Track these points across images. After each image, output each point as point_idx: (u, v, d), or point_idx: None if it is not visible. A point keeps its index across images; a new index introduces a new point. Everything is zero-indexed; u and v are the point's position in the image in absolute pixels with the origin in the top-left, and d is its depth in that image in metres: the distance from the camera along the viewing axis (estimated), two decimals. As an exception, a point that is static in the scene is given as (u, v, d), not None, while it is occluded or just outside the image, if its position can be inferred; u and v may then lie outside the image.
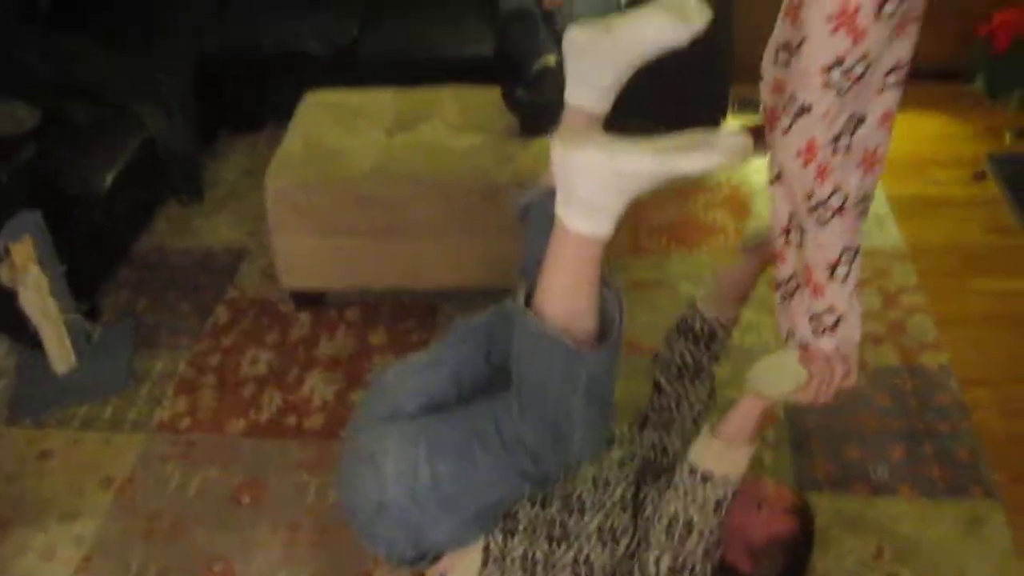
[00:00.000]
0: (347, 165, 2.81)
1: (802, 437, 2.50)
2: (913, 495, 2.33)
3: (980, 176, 3.45)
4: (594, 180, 1.59)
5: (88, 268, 2.99)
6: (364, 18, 3.76)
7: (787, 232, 1.83)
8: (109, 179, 3.06)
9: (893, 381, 2.65)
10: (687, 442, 2.13)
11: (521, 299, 1.68)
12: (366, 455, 1.77)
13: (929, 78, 3.91)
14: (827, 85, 1.65)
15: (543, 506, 1.87)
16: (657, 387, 2.19)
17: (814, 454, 2.46)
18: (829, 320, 1.79)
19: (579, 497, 1.94)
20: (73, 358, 2.79)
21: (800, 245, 1.82)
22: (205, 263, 3.28)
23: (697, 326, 2.16)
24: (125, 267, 3.27)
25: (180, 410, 2.71)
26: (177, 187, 3.54)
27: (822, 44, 1.63)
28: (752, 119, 3.45)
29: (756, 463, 2.42)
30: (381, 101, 3.11)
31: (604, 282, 1.74)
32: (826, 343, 1.82)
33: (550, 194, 1.82)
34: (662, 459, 2.09)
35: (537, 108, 2.88)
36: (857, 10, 1.59)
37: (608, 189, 1.59)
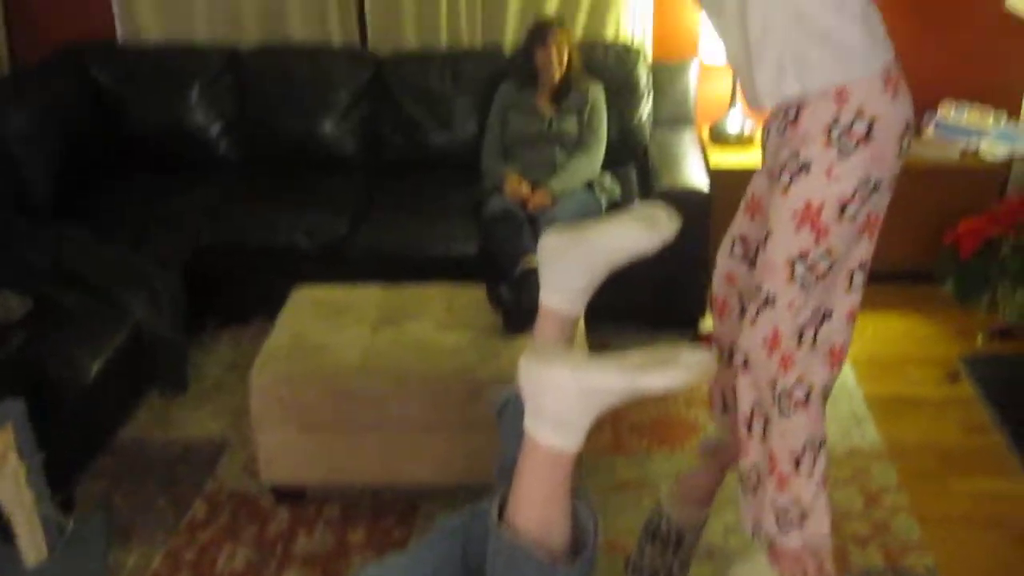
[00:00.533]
0: (332, 360, 2.85)
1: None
2: None
3: (955, 377, 3.52)
4: (561, 397, 1.60)
5: (67, 456, 2.96)
6: (354, 216, 3.88)
7: (750, 423, 1.85)
8: (95, 368, 3.08)
9: (879, 584, 2.62)
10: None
11: (495, 511, 1.67)
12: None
13: (903, 279, 4.05)
14: (791, 278, 1.72)
15: None
16: (631, 594, 2.16)
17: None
18: (795, 514, 1.79)
19: None
20: (45, 550, 2.73)
21: (764, 435, 1.84)
22: (185, 455, 3.25)
23: (664, 529, 2.14)
24: (104, 456, 3.24)
25: (151, 608, 2.64)
26: (162, 378, 3.56)
27: (787, 239, 1.72)
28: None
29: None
30: (368, 297, 3.18)
31: (577, 493, 1.73)
32: (793, 540, 1.80)
33: None
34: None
35: (520, 308, 2.95)
36: (821, 209, 1.68)
37: (575, 406, 1.60)
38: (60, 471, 2.88)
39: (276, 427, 2.85)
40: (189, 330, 3.69)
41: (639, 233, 1.89)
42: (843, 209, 1.69)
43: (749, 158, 4.01)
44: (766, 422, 1.82)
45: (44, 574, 2.71)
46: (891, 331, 3.79)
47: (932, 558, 2.69)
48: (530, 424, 1.64)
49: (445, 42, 4.31)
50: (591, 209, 3.65)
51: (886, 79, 1.72)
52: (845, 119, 1.65)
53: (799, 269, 1.72)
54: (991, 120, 4.10)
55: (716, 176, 3.77)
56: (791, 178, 1.70)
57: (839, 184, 1.67)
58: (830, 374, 1.84)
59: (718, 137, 4.16)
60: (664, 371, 1.59)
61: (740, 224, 2.03)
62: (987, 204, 3.90)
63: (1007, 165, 4.02)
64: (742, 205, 2.03)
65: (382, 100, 4.23)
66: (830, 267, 1.74)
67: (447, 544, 1.91)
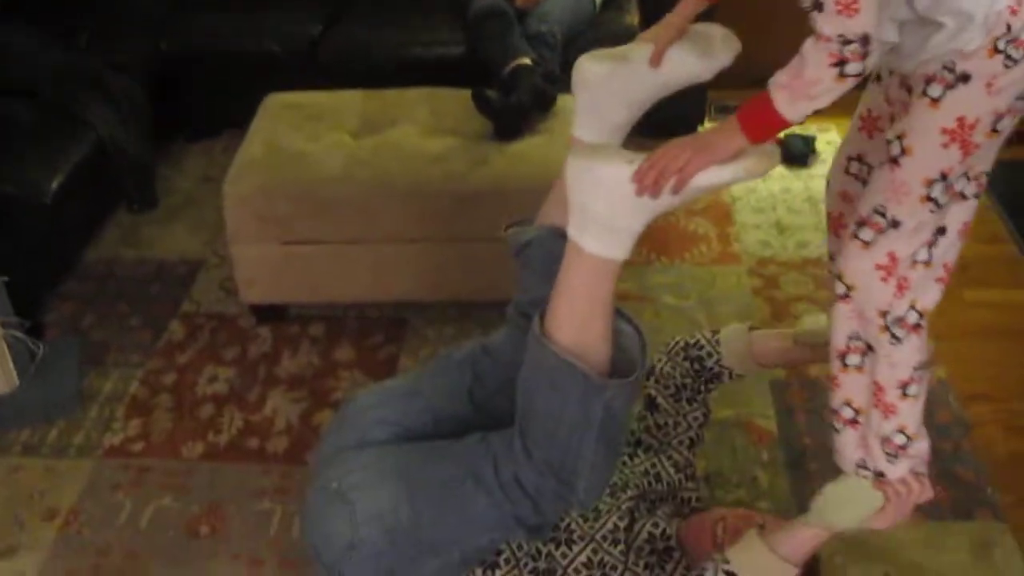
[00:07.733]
0: (311, 169, 2.64)
1: (797, 457, 2.36)
2: (918, 518, 2.19)
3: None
4: (612, 197, 1.46)
5: (32, 280, 2.80)
6: (327, 18, 3.59)
7: (844, 356, 1.69)
8: (54, 185, 2.85)
9: (889, 397, 2.52)
10: (680, 468, 1.99)
11: (538, 326, 1.53)
12: (334, 490, 1.60)
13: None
14: (926, 199, 1.52)
15: (529, 536, 1.71)
16: (652, 403, 2.05)
17: (811, 475, 2.31)
18: (900, 441, 1.66)
19: (568, 527, 1.79)
20: (15, 378, 2.59)
21: (859, 368, 1.68)
22: (158, 275, 3.08)
23: (709, 364, 2.02)
24: (72, 279, 3.07)
25: (132, 434, 2.51)
26: (129, 194, 3.34)
27: (931, 156, 1.50)
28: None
29: (751, 484, 2.29)
30: (347, 103, 2.94)
31: (622, 314, 1.62)
32: (901, 468, 1.69)
33: (552, 235, 1.67)
34: (656, 486, 1.94)
35: (509, 110, 2.73)
36: (975, 125, 1.47)
37: (627, 207, 1.46)
38: (27, 295, 2.71)
39: (253, 242, 2.67)
40: (156, 143, 3.45)
41: (692, 60, 1.65)
42: (996, 124, 1.49)
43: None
44: (864, 353, 1.65)
45: (16, 401, 2.58)
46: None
47: (945, 371, 2.59)
48: (575, 232, 1.51)
49: None
50: (584, 5, 3.36)
51: None
52: (1017, 28, 1.42)
53: (936, 190, 1.52)
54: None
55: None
56: (944, 90, 1.48)
57: (998, 98, 1.47)
58: (940, 294, 1.66)
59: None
60: (727, 165, 1.45)
61: (856, 143, 1.81)
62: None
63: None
64: (855, 123, 1.80)
65: None
66: (963, 186, 1.56)
67: (453, 376, 1.77)
